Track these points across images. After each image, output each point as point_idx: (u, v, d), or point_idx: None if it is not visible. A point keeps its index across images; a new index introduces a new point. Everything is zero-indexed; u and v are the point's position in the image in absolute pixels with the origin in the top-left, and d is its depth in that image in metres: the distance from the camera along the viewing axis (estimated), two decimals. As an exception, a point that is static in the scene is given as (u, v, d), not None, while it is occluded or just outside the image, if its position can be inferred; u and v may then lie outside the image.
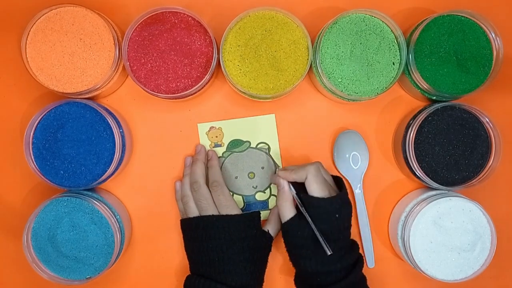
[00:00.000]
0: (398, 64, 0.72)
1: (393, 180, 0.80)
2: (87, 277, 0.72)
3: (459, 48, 0.72)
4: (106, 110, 0.74)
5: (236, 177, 0.79)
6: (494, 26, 0.71)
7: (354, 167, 0.79)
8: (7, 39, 0.78)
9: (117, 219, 0.74)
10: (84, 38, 0.72)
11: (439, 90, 0.72)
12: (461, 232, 0.72)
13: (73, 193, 0.73)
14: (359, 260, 0.70)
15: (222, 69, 0.71)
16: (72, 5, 0.72)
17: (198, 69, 0.72)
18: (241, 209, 0.77)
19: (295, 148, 0.79)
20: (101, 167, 0.72)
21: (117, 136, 0.72)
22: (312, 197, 0.67)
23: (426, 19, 0.72)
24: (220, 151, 0.79)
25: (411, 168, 0.74)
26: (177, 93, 0.71)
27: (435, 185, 0.72)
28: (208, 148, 0.79)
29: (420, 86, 0.73)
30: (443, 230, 0.72)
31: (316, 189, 0.67)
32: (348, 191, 0.74)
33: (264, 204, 0.79)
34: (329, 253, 0.66)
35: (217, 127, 0.79)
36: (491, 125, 0.72)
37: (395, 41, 0.72)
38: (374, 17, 0.72)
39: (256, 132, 0.79)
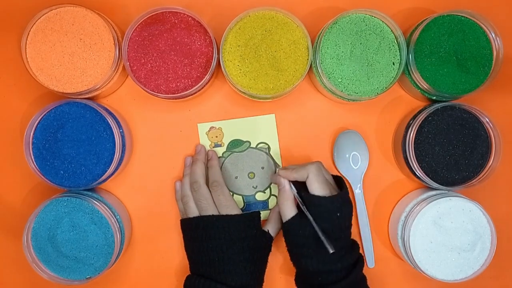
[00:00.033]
0: (398, 64, 0.72)
1: (393, 180, 0.80)
2: (87, 277, 0.72)
3: (459, 48, 0.72)
4: (106, 110, 0.74)
5: (236, 177, 0.79)
6: (494, 26, 0.71)
7: (354, 167, 0.79)
8: (7, 39, 0.78)
9: (117, 219, 0.74)
10: (84, 38, 0.72)
11: (439, 90, 0.72)
12: (461, 232, 0.72)
13: (73, 193, 0.73)
14: (360, 260, 0.70)
15: (222, 69, 0.71)
16: (72, 5, 0.72)
17: (198, 69, 0.72)
18: (241, 209, 0.77)
19: (295, 148, 0.79)
20: (101, 167, 0.72)
21: (117, 136, 0.72)
22: (314, 195, 0.67)
23: (426, 19, 0.72)
24: (220, 151, 0.79)
25: (411, 168, 0.73)
26: (177, 93, 0.71)
27: (435, 185, 0.72)
28: (208, 148, 0.79)
29: (420, 86, 0.73)
30: (443, 230, 0.72)
31: (318, 188, 0.67)
32: (348, 191, 0.74)
33: (264, 204, 0.79)
34: (331, 251, 0.65)
35: (217, 127, 0.79)
36: (491, 125, 0.72)
37: (395, 41, 0.72)
38: (374, 17, 0.72)
39: (256, 132, 0.79)
